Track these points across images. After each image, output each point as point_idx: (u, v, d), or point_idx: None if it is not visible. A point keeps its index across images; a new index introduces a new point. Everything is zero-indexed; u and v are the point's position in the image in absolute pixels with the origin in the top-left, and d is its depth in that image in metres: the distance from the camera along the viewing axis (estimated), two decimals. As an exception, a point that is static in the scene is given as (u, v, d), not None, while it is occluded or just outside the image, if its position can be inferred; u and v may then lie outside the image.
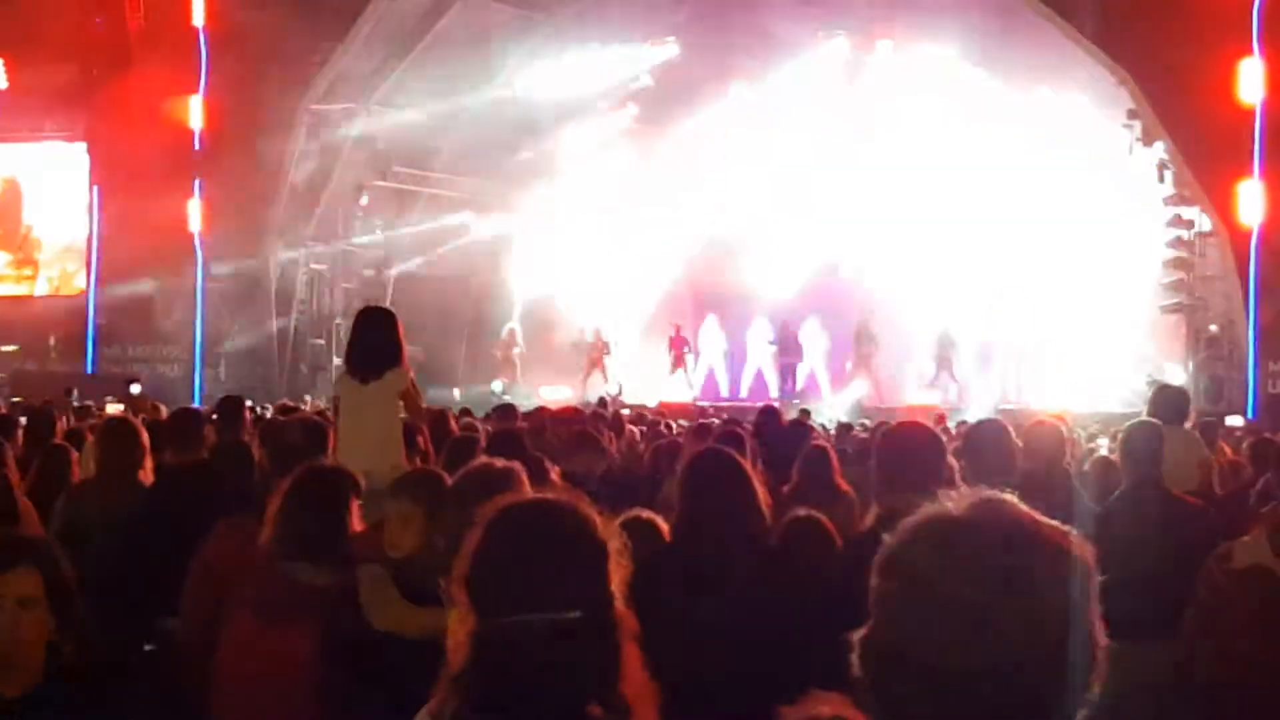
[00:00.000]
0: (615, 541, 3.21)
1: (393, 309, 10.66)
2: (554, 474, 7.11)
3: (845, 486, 9.06)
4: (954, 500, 2.26)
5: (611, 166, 36.63)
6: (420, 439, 9.92)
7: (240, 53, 32.03)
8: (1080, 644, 2.17)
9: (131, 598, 6.63)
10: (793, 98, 35.11)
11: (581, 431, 11.78)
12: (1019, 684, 2.13)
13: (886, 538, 2.29)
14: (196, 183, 33.21)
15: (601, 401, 26.05)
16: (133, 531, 6.96)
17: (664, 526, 6.16)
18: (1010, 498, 2.28)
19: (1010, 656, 2.12)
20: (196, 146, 33.26)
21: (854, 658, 2.27)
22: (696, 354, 37.03)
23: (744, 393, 36.48)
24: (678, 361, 36.11)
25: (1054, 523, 2.24)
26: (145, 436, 8.49)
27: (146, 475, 8.37)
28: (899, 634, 2.19)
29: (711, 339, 38.02)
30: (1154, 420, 8.81)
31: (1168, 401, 10.92)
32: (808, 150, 35.33)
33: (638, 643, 3.13)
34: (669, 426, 18.37)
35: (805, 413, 21.10)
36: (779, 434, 12.61)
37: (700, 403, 33.15)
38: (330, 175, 34.96)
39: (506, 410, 14.89)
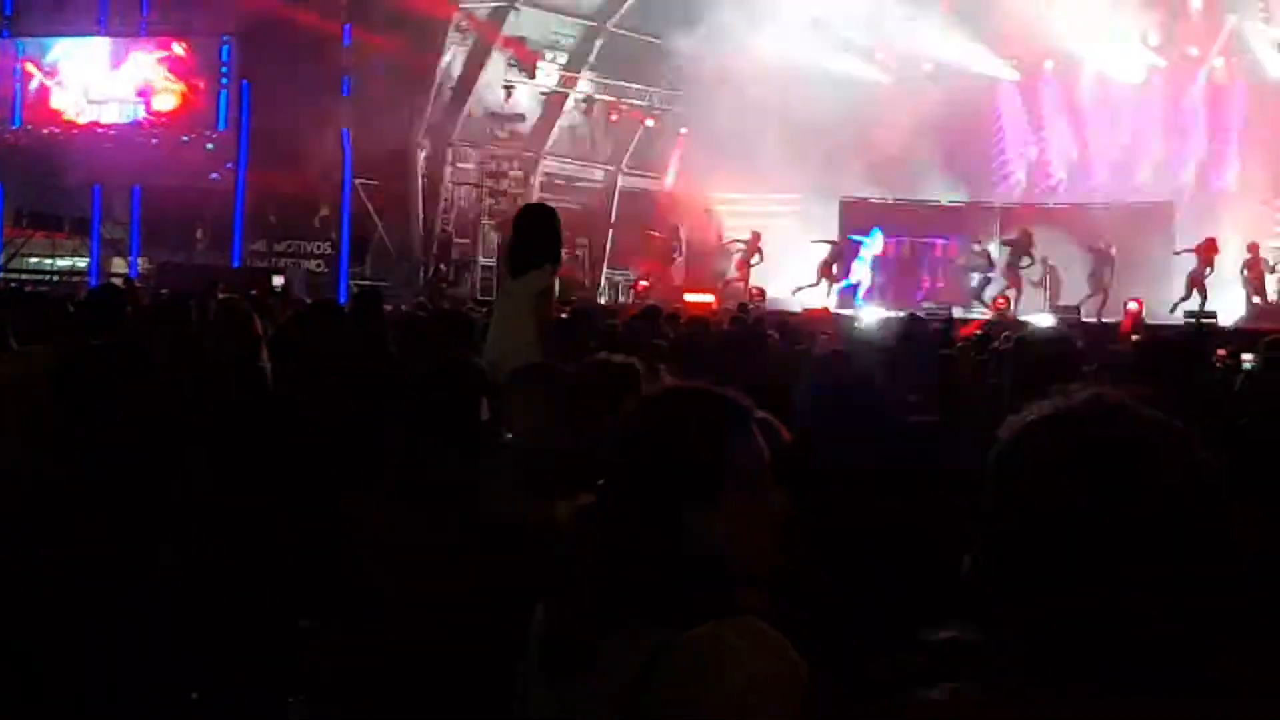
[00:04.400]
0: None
1: (549, 207, 10.61)
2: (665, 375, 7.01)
3: (971, 396, 8.96)
4: (1064, 398, 2.20)
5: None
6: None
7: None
8: (1202, 535, 2.08)
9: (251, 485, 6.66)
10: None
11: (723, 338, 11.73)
12: (1140, 581, 2.05)
13: (1000, 436, 2.22)
14: (345, 79, 33.40)
15: (742, 307, 25.95)
16: (254, 418, 7.00)
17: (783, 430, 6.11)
18: (1119, 393, 2.20)
19: (1128, 551, 2.05)
20: (346, 43, 33.43)
21: (966, 560, 2.21)
22: (849, 262, 36.51)
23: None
24: (825, 269, 35.68)
25: (1163, 416, 2.17)
26: (258, 323, 8.52)
27: (265, 363, 8.39)
28: (1013, 535, 2.13)
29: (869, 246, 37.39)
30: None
31: None
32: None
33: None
34: (811, 335, 18.22)
35: (948, 322, 20.88)
36: (921, 343, 12.52)
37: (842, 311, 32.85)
38: (479, 74, 35.04)
39: (650, 311, 14.86)
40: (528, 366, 6.62)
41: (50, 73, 36.05)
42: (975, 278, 34.22)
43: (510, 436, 5.85)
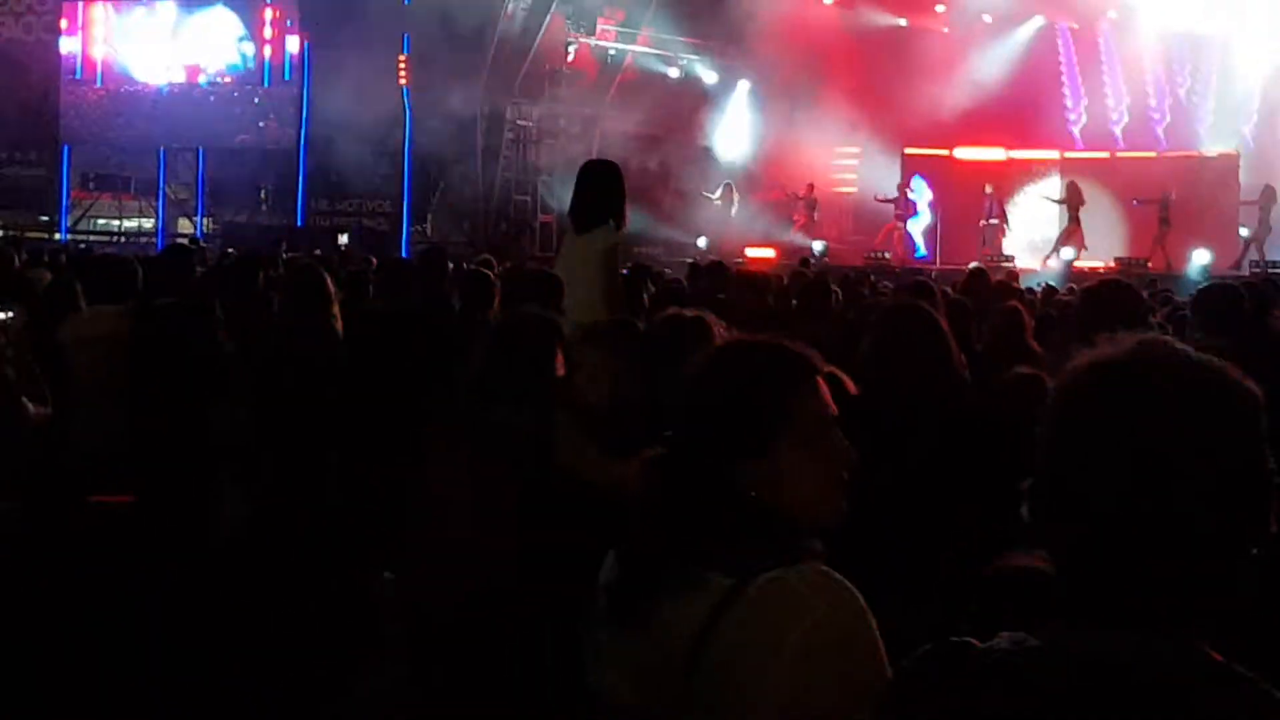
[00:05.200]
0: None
1: (612, 162, 10.54)
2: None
3: (1037, 347, 8.92)
4: (1113, 344, 2.23)
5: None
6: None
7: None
8: (1257, 479, 2.11)
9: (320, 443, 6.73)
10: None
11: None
12: (1193, 522, 2.09)
13: (1051, 382, 2.27)
14: (405, 36, 33.45)
15: (804, 261, 25.89)
16: (329, 376, 7.05)
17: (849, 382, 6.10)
18: (1170, 339, 2.24)
19: (1184, 494, 2.07)
20: (406, 2, 33.49)
21: (1024, 507, 2.25)
22: (908, 213, 36.34)
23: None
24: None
25: (1217, 360, 2.19)
26: (330, 282, 8.57)
27: (337, 321, 8.44)
28: (1065, 478, 2.17)
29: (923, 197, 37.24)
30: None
31: None
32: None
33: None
34: (873, 286, 18.17)
35: (1012, 274, 20.78)
36: (985, 296, 12.52)
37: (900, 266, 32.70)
38: (537, 31, 35.02)
39: (715, 267, 14.82)
40: (603, 324, 6.61)
41: (111, 36, 36.30)
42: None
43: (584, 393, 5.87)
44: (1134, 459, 2.10)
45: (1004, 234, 34.17)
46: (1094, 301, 6.24)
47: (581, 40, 35.92)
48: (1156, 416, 2.10)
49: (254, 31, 35.76)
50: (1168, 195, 32.13)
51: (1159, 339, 2.24)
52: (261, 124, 35.52)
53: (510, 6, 34.30)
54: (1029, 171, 35.83)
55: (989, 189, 34.53)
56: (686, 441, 3.11)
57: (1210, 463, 2.09)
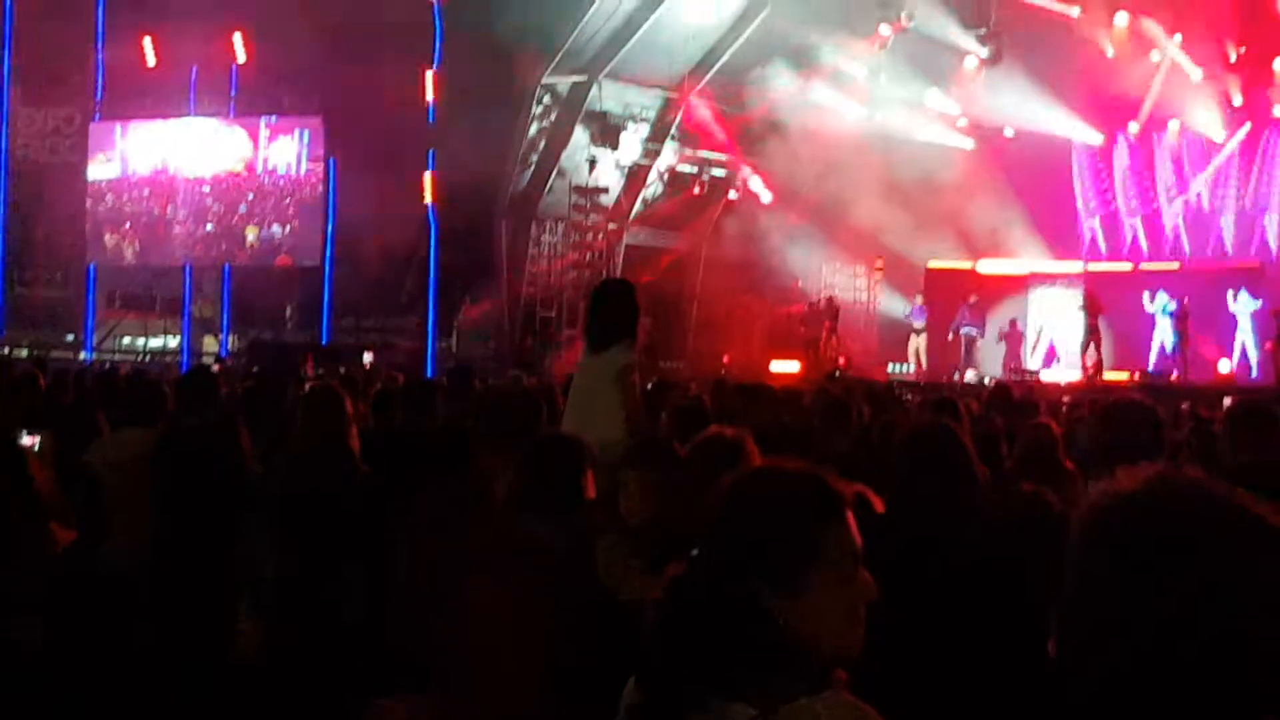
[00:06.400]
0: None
1: (628, 282, 10.67)
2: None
3: (1069, 464, 8.89)
4: (1130, 478, 2.20)
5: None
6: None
7: (475, 24, 32.51)
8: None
9: (337, 560, 6.72)
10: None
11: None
12: (1222, 674, 2.04)
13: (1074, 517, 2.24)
14: (430, 154, 33.75)
15: (829, 375, 25.89)
16: (345, 499, 7.06)
17: (876, 500, 6.11)
18: (1184, 474, 2.19)
19: (1205, 642, 2.03)
20: (430, 120, 33.81)
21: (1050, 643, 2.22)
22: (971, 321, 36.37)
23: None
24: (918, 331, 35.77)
25: (1246, 497, 2.15)
26: (349, 404, 8.57)
27: (354, 442, 8.42)
28: (1086, 619, 2.15)
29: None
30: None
31: None
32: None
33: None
34: (899, 403, 18.03)
35: (1030, 389, 20.75)
36: (1011, 411, 12.48)
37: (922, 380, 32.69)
38: (561, 147, 35.28)
39: (738, 384, 14.78)
40: (643, 443, 6.66)
41: (139, 154, 36.71)
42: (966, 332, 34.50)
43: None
44: (1151, 604, 2.06)
45: (979, 344, 34.40)
46: (1109, 423, 6.23)
47: (606, 155, 36.05)
48: (1171, 559, 2.07)
49: (281, 150, 36.13)
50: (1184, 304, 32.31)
51: (1174, 474, 2.20)
52: (286, 241, 35.85)
53: (534, 124, 34.59)
54: (1051, 283, 35.92)
55: (973, 299, 34.72)
56: (715, 565, 3.10)
57: (1232, 608, 2.04)
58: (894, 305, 36.99)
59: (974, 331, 34.60)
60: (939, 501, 5.80)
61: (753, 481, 3.30)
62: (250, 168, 36.22)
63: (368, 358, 30.94)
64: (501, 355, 33.35)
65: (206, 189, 36.48)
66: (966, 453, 6.01)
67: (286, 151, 36.00)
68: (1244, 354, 32.82)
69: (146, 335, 39.21)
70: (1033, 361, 34.95)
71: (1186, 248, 35.34)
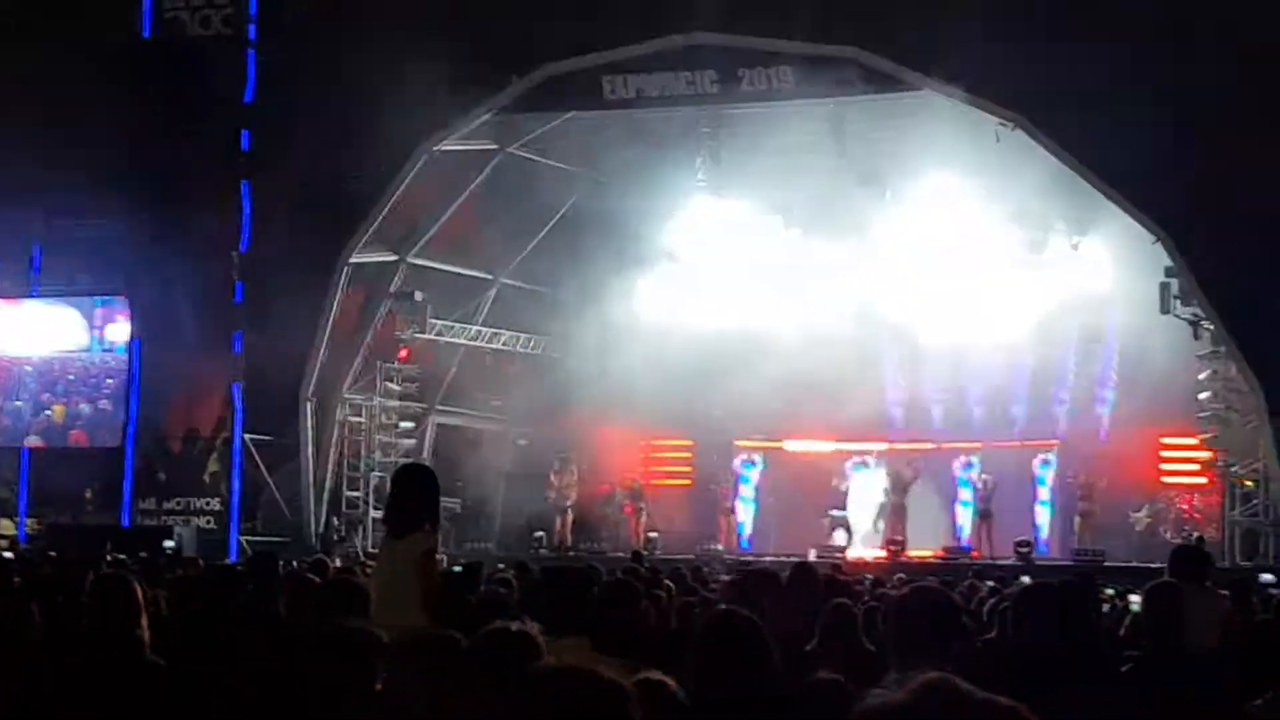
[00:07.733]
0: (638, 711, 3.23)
1: (430, 465, 10.69)
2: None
3: (868, 645, 8.97)
4: (896, 684, 2.24)
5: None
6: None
7: (282, 204, 32.59)
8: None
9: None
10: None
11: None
12: None
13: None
14: (237, 335, 33.56)
15: (636, 555, 25.86)
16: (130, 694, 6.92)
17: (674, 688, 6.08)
18: (952, 677, 2.25)
19: None
20: (238, 299, 33.67)
21: None
22: (735, 502, 36.79)
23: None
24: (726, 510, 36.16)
25: (1001, 700, 2.21)
26: (139, 593, 8.44)
27: (144, 632, 8.29)
28: None
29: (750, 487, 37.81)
30: (1172, 581, 8.91)
31: (1185, 560, 11.08)
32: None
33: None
34: (704, 582, 18.05)
35: (836, 568, 20.84)
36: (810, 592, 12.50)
37: (731, 556, 32.83)
38: (368, 327, 35.18)
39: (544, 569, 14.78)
40: (422, 637, 6.52)
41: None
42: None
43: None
44: None
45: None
46: (904, 611, 6.33)
47: (414, 337, 35.89)
48: None
49: (81, 329, 35.73)
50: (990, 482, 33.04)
51: (942, 684, 2.25)
52: (86, 419, 35.37)
53: (338, 304, 34.41)
54: (856, 461, 36.38)
55: (837, 483, 35.10)
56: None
57: None
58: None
59: (843, 514, 34.83)
60: (733, 693, 5.83)
61: (535, 682, 3.31)
62: (83, 348, 35.86)
63: (169, 543, 30.35)
64: (307, 538, 32.92)
65: (29, 369, 36.03)
66: (761, 640, 6.05)
67: (123, 331, 35.46)
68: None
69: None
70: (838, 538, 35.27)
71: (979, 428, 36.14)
